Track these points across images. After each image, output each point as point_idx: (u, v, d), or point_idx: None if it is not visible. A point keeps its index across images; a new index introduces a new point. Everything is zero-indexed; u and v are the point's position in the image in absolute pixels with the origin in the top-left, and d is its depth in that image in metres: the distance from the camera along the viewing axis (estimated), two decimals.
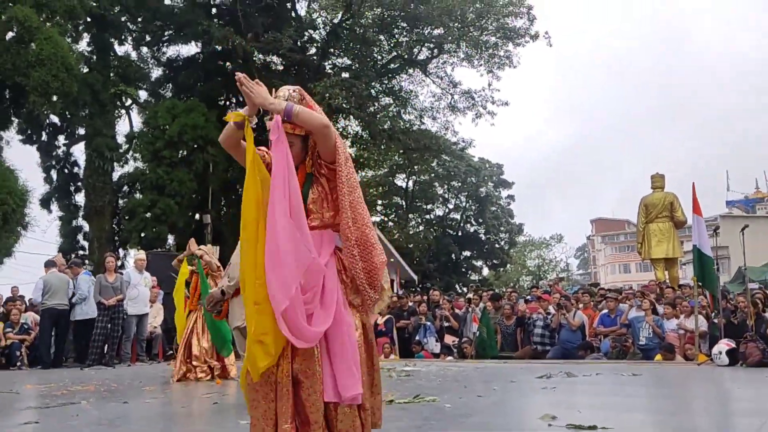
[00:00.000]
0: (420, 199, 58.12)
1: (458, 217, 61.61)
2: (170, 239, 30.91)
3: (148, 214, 28.98)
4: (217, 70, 32.97)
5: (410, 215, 56.88)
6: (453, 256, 57.21)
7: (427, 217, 59.99)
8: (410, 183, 56.37)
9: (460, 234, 60.50)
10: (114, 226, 31.69)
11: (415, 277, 40.36)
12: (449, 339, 17.56)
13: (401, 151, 37.37)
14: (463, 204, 61.28)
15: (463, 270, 59.53)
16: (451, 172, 54.54)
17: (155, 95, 33.94)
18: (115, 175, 32.39)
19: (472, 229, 61.72)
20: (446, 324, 17.92)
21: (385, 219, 54.91)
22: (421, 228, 57.88)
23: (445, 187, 59.02)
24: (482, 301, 18.50)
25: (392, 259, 31.92)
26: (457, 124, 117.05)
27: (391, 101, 35.34)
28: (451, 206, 61.22)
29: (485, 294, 19.46)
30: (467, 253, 61.02)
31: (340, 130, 34.70)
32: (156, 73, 34.68)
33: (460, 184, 58.68)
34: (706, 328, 14.60)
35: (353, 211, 3.79)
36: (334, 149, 3.79)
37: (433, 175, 54.61)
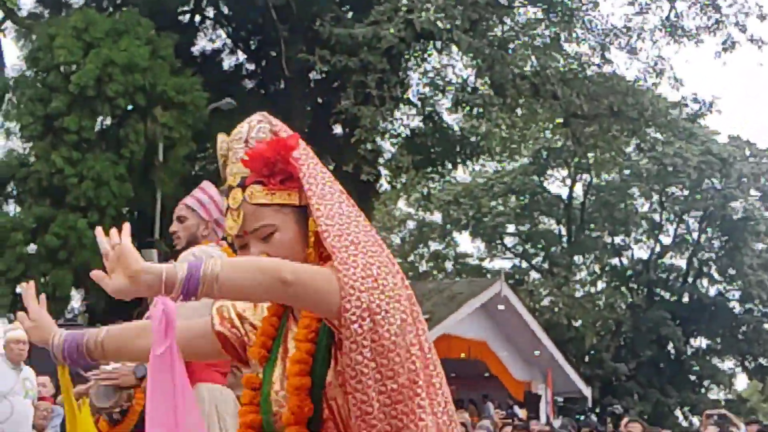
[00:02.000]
0: (598, 225, 44.78)
1: (682, 263, 46.33)
2: (76, 297, 26.93)
3: (32, 246, 23.82)
4: None
5: (576, 257, 44.72)
6: (671, 345, 43.99)
7: (613, 262, 46.25)
8: (579, 189, 44.72)
9: (685, 300, 45.57)
10: None
11: (588, 392, 31.90)
12: None
13: (560, 120, 29.81)
14: (694, 236, 46.16)
15: (693, 377, 45.78)
16: (668, 166, 40.41)
17: (51, 4, 29.01)
18: None
19: (712, 291, 46.74)
20: None
21: (522, 265, 45.46)
22: (600, 286, 46.49)
23: (654, 198, 44.98)
24: None
25: (537, 353, 27.51)
26: (680, 66, 79.99)
27: (538, 14, 28.87)
28: (666, 240, 46.30)
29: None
30: (702, 342, 47.15)
31: (432, 76, 29.56)
32: None
33: (685, 193, 43.83)
34: None
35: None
36: (333, 297, 2.48)
37: (626, 172, 41.12)
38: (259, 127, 2.85)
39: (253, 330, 2.88)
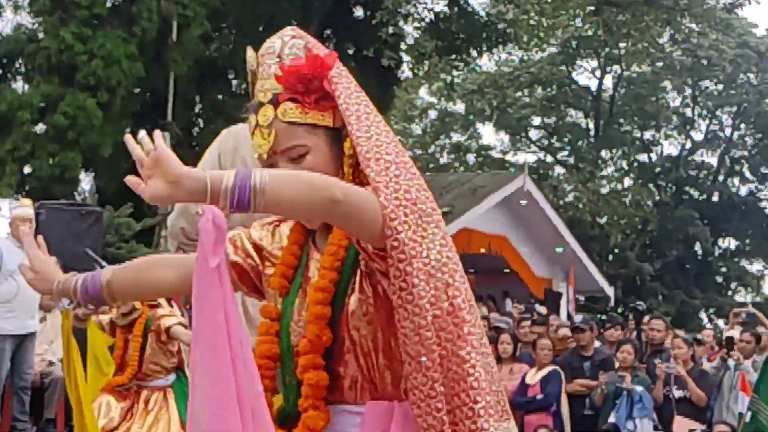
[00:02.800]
0: (627, 119, 44.43)
1: (713, 161, 46.07)
2: (86, 179, 26.97)
3: (40, 126, 23.72)
4: None
5: (603, 152, 44.53)
6: (698, 245, 44.04)
7: (641, 158, 45.96)
8: (608, 81, 44.20)
9: (715, 199, 45.15)
10: None
11: (610, 291, 31.57)
12: (684, 424, 12.10)
13: (591, 8, 29.56)
14: (727, 132, 45.96)
15: (720, 278, 45.80)
16: (702, 59, 39.90)
17: None
18: None
19: (743, 191, 46.67)
20: (677, 391, 12.37)
21: (546, 159, 45.47)
22: (627, 182, 46.18)
23: (686, 92, 44.52)
24: (761, 345, 13.57)
25: (559, 249, 27.53)
26: None
27: None
28: (697, 136, 46.02)
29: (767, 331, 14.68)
30: (730, 243, 46.93)
31: None
32: None
33: (719, 87, 43.60)
34: None
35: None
36: (377, 221, 2.47)
37: (658, 64, 40.56)
38: (292, 42, 2.79)
39: (270, 259, 2.86)
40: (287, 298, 2.71)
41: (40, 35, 24.06)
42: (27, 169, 23.70)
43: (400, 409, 2.68)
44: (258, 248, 2.87)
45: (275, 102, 2.69)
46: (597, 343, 13.30)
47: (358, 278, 2.65)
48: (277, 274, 2.74)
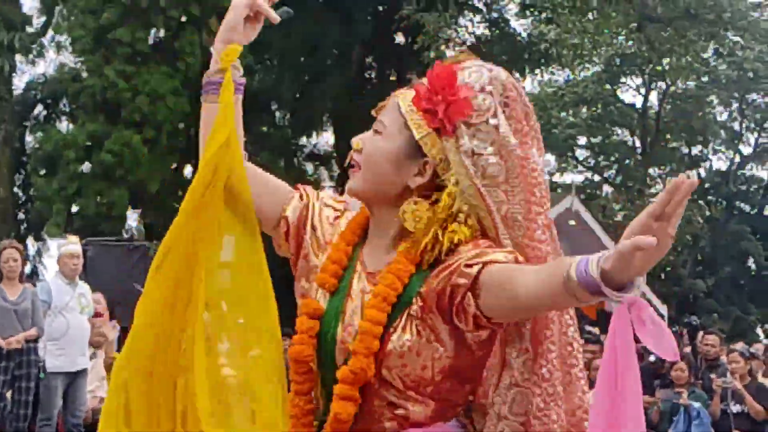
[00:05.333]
0: (674, 135, 43.93)
1: (763, 174, 45.62)
2: (132, 216, 27.20)
3: (86, 165, 23.60)
4: None
5: (651, 170, 43.40)
6: (751, 260, 43.77)
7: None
8: (654, 98, 42.87)
9: (765, 213, 44.95)
10: (16, 188, 27.95)
11: (663, 309, 30.03)
12: None
13: (634, 25, 28.99)
14: None
15: None
16: (748, 72, 38.91)
17: None
18: (19, 82, 28.25)
19: None
20: (735, 406, 12.45)
21: (594, 178, 45.29)
22: None
23: (733, 106, 43.82)
24: None
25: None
26: None
27: None
28: (746, 150, 45.63)
29: None
30: None
31: None
32: None
33: (767, 99, 43.09)
34: None
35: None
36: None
37: (704, 79, 39.74)
38: (491, 76, 2.69)
39: (317, 244, 2.79)
40: (333, 301, 2.66)
41: (84, 74, 24.37)
42: (74, 208, 23.89)
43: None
44: (314, 227, 2.82)
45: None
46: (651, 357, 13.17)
47: (403, 320, 2.61)
48: (327, 271, 2.69)
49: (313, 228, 2.81)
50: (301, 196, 2.83)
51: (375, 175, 2.66)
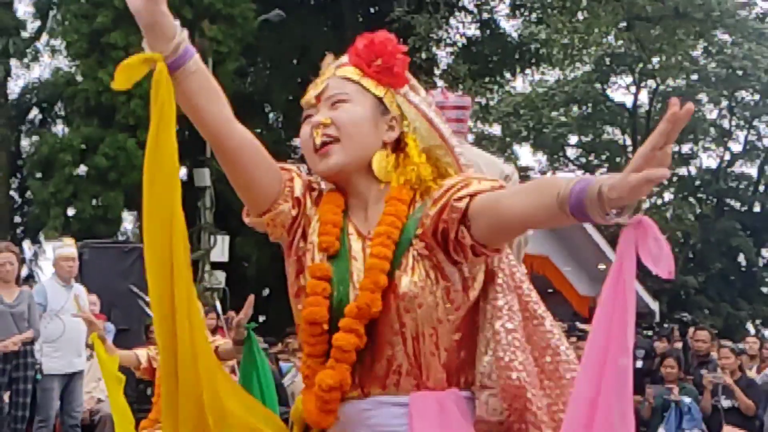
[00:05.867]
0: None
1: (753, 171, 45.65)
2: (128, 218, 27.64)
3: (82, 168, 24.11)
4: None
5: None
6: (741, 257, 43.32)
7: (680, 172, 45.21)
8: (644, 97, 42.99)
9: (757, 209, 44.78)
10: (12, 192, 27.90)
11: (655, 306, 31.68)
12: None
13: (623, 24, 29.46)
14: (765, 142, 45.55)
15: (766, 289, 44.93)
16: (737, 70, 38.60)
17: None
18: (14, 87, 28.09)
19: None
20: (726, 401, 12.50)
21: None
22: (667, 197, 45.16)
23: (723, 104, 43.76)
24: None
25: (602, 267, 26.85)
26: None
27: None
28: (736, 147, 45.58)
29: None
30: None
31: None
32: None
33: (756, 97, 42.98)
34: None
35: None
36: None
37: (693, 77, 40.07)
38: None
39: (306, 216, 2.77)
40: (339, 261, 2.65)
41: (78, 78, 24.22)
42: (70, 211, 23.82)
43: (452, 398, 2.66)
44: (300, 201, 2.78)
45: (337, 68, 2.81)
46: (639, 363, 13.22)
47: (410, 260, 2.64)
48: (327, 233, 2.68)
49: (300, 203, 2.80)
50: (291, 179, 2.80)
51: (358, 141, 2.69)
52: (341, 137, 2.66)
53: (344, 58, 2.85)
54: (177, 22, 2.51)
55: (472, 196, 2.51)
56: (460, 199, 2.52)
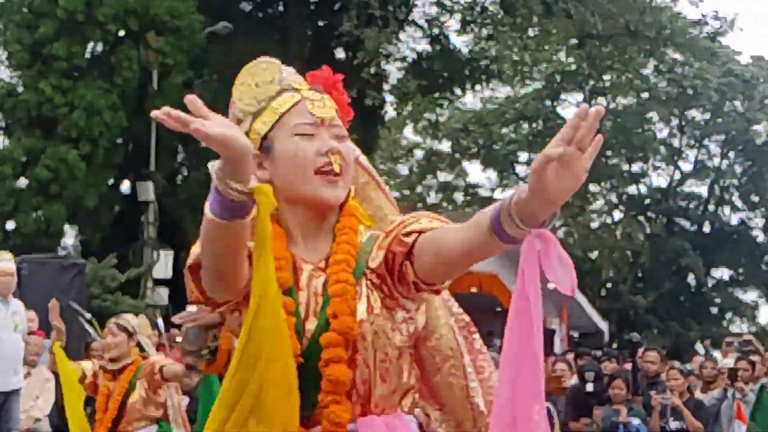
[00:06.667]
0: (614, 152, 43.64)
1: (703, 191, 45.86)
2: (69, 233, 27.08)
3: (22, 180, 23.70)
4: None
5: (591, 186, 43.49)
6: (691, 277, 43.72)
7: (630, 190, 45.63)
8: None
9: (706, 229, 44.94)
10: None
11: (605, 327, 31.89)
12: None
13: (574, 41, 29.86)
14: (716, 162, 45.63)
15: (715, 309, 45.74)
16: (688, 89, 39.16)
17: None
18: None
19: (734, 220, 45.67)
20: (674, 422, 12.53)
21: None
22: (616, 215, 45.29)
23: (673, 123, 44.04)
24: (755, 374, 13.82)
25: (551, 286, 22.18)
26: None
27: None
28: (686, 166, 45.71)
29: (761, 360, 14.82)
30: (724, 273, 45.64)
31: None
32: None
33: (706, 116, 43.44)
34: None
35: None
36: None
37: (644, 95, 40.24)
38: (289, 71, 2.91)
39: None
40: (289, 296, 2.64)
41: (20, 89, 24.02)
42: (10, 225, 23.60)
43: (400, 421, 2.70)
44: None
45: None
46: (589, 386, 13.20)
47: (364, 289, 2.66)
48: (281, 268, 2.62)
49: None
50: None
51: (351, 179, 2.74)
52: (344, 173, 2.68)
53: (294, 73, 2.87)
54: None
55: (419, 233, 2.52)
56: (408, 234, 2.54)
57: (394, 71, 29.69)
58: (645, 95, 40.81)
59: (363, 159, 2.87)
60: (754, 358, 14.56)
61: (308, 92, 2.72)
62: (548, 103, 42.37)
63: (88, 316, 10.25)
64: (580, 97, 42.57)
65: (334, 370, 2.54)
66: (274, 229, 2.65)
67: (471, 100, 37.13)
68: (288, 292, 2.60)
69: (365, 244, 2.67)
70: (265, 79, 2.80)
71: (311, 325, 2.59)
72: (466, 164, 45.68)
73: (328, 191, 2.65)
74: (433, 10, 28.98)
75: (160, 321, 16.22)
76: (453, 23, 29.19)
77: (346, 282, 2.55)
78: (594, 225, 42.31)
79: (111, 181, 25.39)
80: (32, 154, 22.83)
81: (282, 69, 2.82)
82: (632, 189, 45.48)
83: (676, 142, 45.13)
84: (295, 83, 2.77)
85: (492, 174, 46.15)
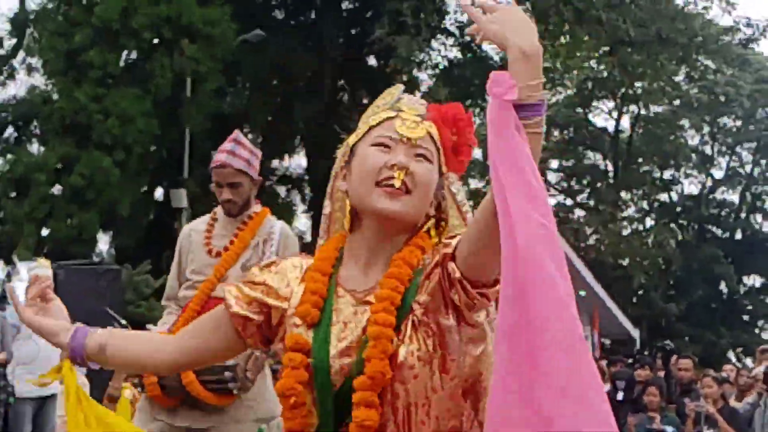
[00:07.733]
0: (645, 159, 44.05)
1: (734, 198, 45.93)
2: (103, 239, 26.86)
3: (57, 187, 23.79)
4: None
5: (623, 193, 44.02)
6: (723, 284, 43.83)
7: (662, 198, 45.64)
8: (625, 122, 43.89)
9: (738, 236, 45.05)
10: None
11: (636, 333, 32.21)
12: None
13: (606, 48, 29.50)
14: (747, 169, 45.80)
15: (746, 317, 45.39)
16: (720, 96, 39.41)
17: None
18: None
19: (766, 227, 46.53)
20: (708, 431, 12.34)
21: (566, 202, 45.01)
22: (648, 223, 45.45)
23: (705, 130, 44.19)
24: None
25: (582, 293, 26.52)
26: None
27: None
28: (718, 173, 45.79)
29: None
30: (755, 280, 46.31)
31: None
32: None
33: (738, 123, 43.43)
34: None
35: None
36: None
37: (675, 102, 40.23)
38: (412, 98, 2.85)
39: (280, 295, 2.75)
40: (318, 331, 2.62)
41: (55, 96, 24.20)
42: (45, 231, 23.59)
43: None
44: (267, 287, 2.76)
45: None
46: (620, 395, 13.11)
47: (409, 329, 2.60)
48: (307, 302, 2.64)
49: (268, 287, 2.78)
50: (232, 294, 2.79)
51: (423, 202, 2.67)
52: (414, 192, 2.61)
53: (420, 101, 2.82)
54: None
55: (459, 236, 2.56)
56: (451, 238, 2.57)
57: (425, 78, 29.64)
58: (677, 102, 40.63)
59: (463, 202, 2.85)
60: None
61: (408, 114, 2.68)
62: (579, 110, 42.30)
63: (124, 322, 10.08)
64: (611, 104, 42.53)
65: (362, 413, 2.52)
66: (326, 250, 2.73)
67: None
68: (316, 325, 2.60)
69: (417, 274, 2.61)
70: (382, 101, 2.79)
71: (349, 360, 2.56)
72: None
73: (386, 202, 2.59)
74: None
75: None
76: None
77: (384, 324, 2.51)
78: (625, 232, 42.01)
79: (145, 188, 25.45)
80: (67, 162, 22.94)
81: (402, 94, 2.79)
82: (664, 196, 45.35)
83: (707, 150, 45.05)
84: (405, 106, 2.73)
85: None
